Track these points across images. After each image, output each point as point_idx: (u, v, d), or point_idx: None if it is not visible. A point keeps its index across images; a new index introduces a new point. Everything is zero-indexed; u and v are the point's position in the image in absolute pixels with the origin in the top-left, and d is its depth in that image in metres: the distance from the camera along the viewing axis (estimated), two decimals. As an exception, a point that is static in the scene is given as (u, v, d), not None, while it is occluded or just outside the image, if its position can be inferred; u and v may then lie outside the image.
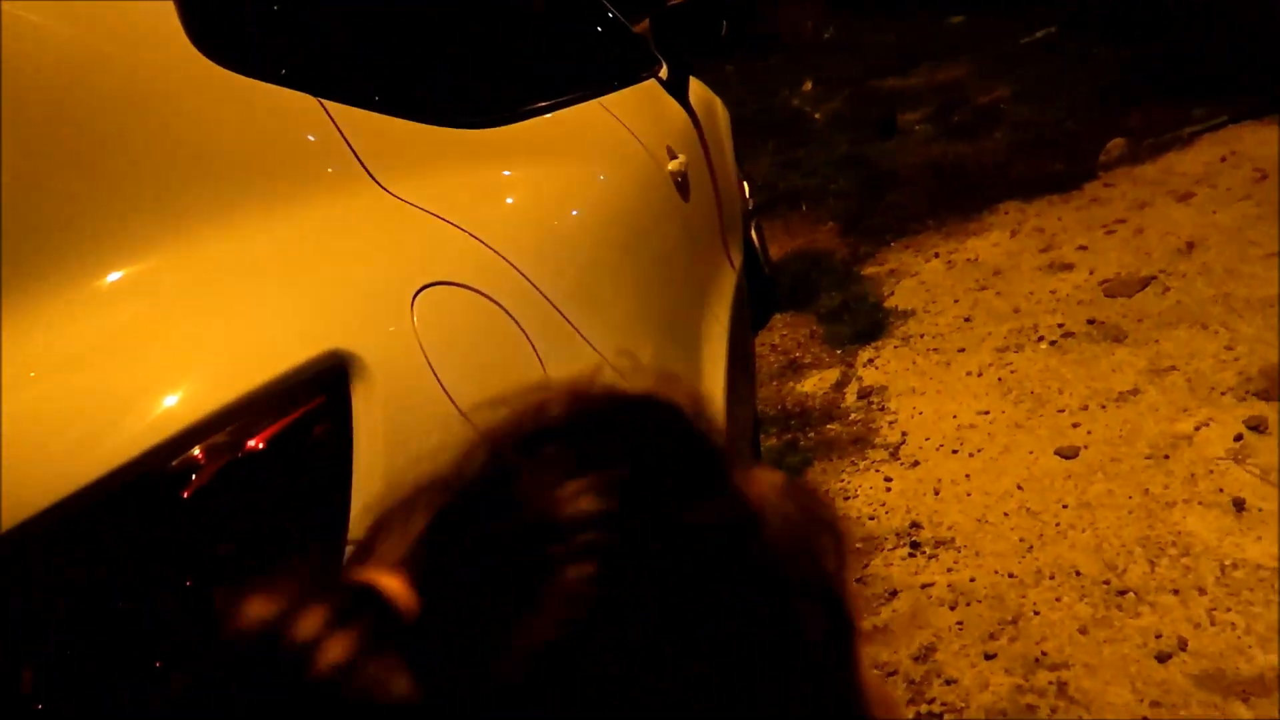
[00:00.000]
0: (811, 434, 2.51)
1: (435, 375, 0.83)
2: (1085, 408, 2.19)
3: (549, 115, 1.54)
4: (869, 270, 3.46)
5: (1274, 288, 2.39)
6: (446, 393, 0.83)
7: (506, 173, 1.29)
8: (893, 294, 3.18)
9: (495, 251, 1.09)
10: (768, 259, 3.58)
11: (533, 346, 1.02)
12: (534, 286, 1.11)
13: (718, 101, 3.17)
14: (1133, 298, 2.57)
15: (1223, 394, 2.04)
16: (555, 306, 1.13)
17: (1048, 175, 3.70)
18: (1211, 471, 1.85)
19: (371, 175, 1.03)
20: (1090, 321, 2.55)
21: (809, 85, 7.18)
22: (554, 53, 1.91)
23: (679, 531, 0.34)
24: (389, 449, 0.76)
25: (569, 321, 1.15)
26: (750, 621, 0.34)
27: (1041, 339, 2.57)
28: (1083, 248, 3.03)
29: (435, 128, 1.18)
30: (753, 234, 3.35)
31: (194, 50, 0.86)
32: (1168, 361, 2.24)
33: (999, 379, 2.45)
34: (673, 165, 1.92)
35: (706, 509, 0.35)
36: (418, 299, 0.87)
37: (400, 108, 1.15)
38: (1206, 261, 2.62)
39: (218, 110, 0.87)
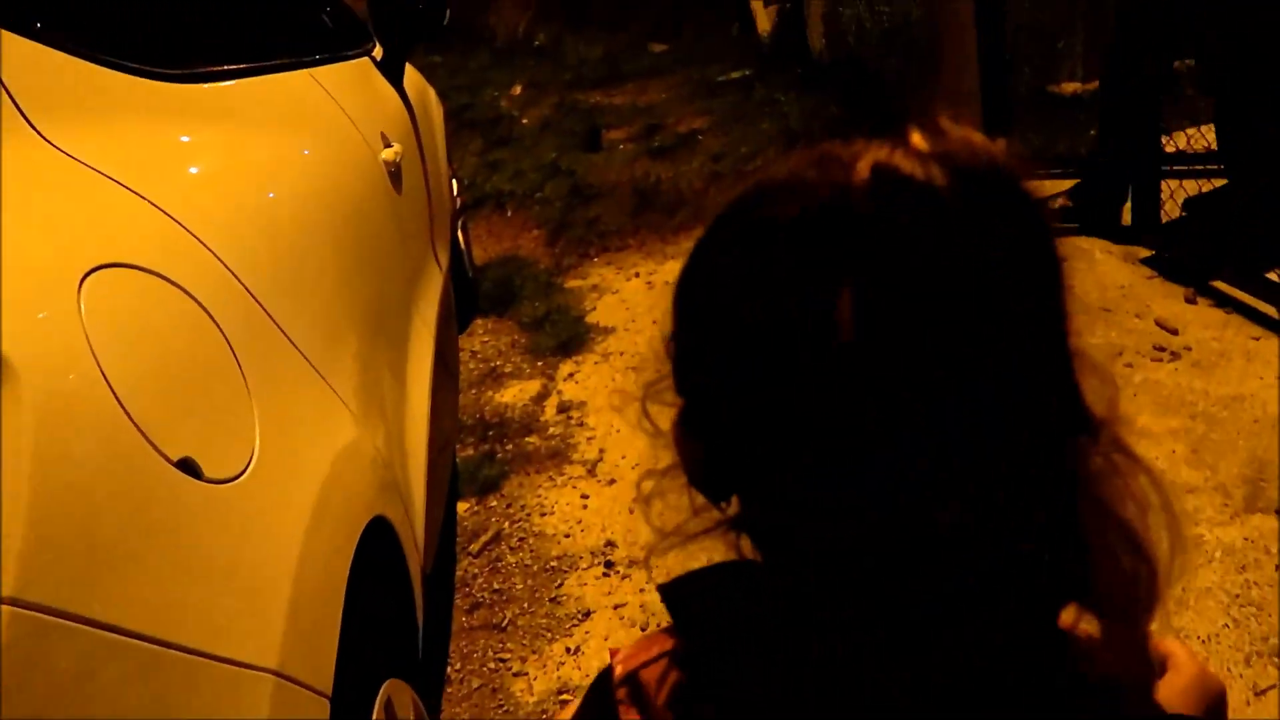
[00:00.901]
0: (510, 446, 2.45)
1: (105, 379, 0.67)
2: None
3: (250, 79, 1.35)
4: (572, 283, 3.47)
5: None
6: (119, 400, 0.67)
7: (186, 138, 1.11)
8: (595, 309, 3.20)
9: (183, 227, 0.92)
10: (472, 260, 3.49)
11: (228, 344, 0.87)
12: (230, 272, 0.95)
13: (432, 92, 3.03)
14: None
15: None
16: (254, 297, 0.98)
17: (740, 207, 3.91)
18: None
19: (27, 118, 0.83)
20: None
21: (518, 89, 7.15)
22: (258, 12, 1.70)
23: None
24: (41, 465, 0.60)
25: (270, 316, 1.00)
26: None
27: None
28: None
29: (110, 71, 0.97)
30: (459, 233, 3.24)
31: None
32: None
33: (693, 399, 2.52)
34: (386, 154, 1.78)
35: None
36: (85, 284, 0.70)
37: (68, 40, 0.94)
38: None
39: None
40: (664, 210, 4.02)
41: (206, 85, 1.20)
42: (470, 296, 3.24)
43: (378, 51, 2.36)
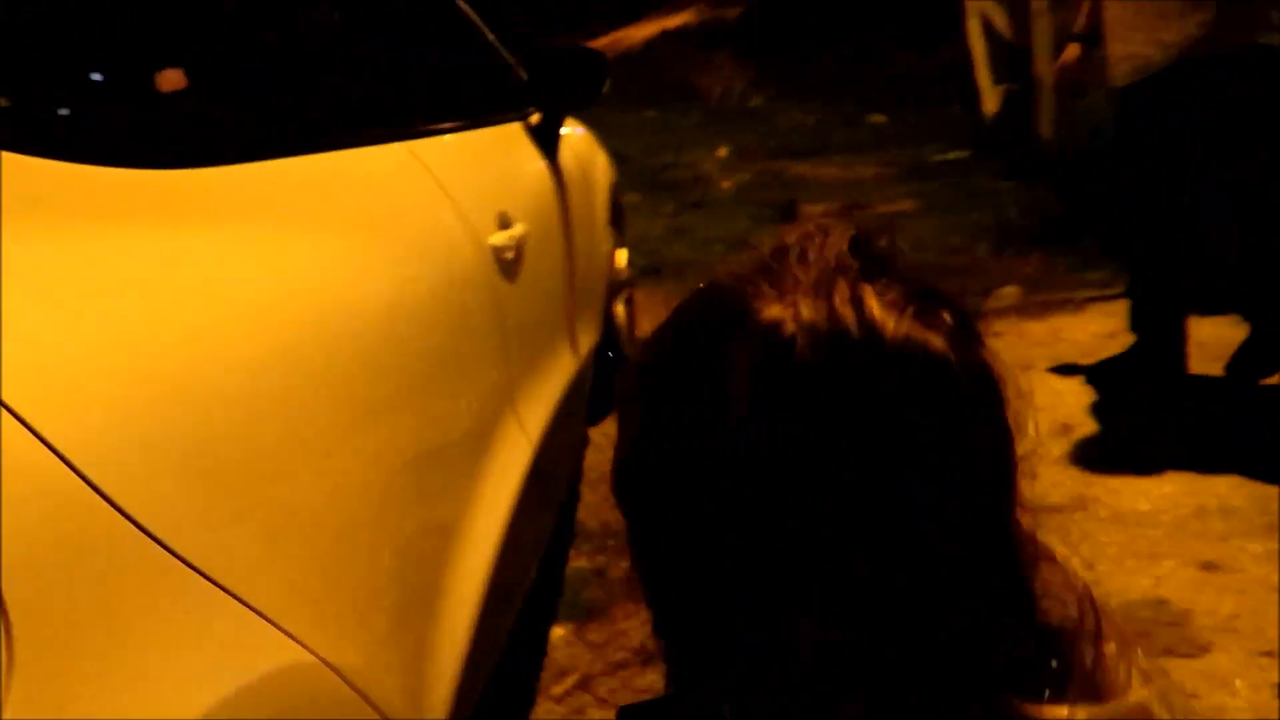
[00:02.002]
0: (624, 564, 2.16)
1: None
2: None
3: (314, 155, 1.15)
4: (734, 372, 3.17)
5: (1145, 505, 2.18)
6: None
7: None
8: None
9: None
10: (632, 335, 3.25)
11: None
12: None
13: (602, 159, 2.83)
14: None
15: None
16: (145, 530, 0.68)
17: (936, 306, 3.49)
18: None
19: None
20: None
21: (724, 151, 6.98)
22: (357, 70, 1.50)
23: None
24: None
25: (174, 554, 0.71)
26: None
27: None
28: (957, 398, 2.79)
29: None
30: (619, 307, 3.02)
31: None
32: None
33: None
34: (498, 238, 1.55)
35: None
36: None
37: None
38: (1079, 449, 2.41)
39: None
40: (851, 300, 3.66)
41: (244, 168, 0.99)
42: (622, 377, 3.00)
43: (535, 118, 2.17)
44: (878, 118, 7.48)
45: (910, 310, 0.45)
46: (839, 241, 0.49)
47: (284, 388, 0.88)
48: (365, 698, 0.84)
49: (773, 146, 6.66)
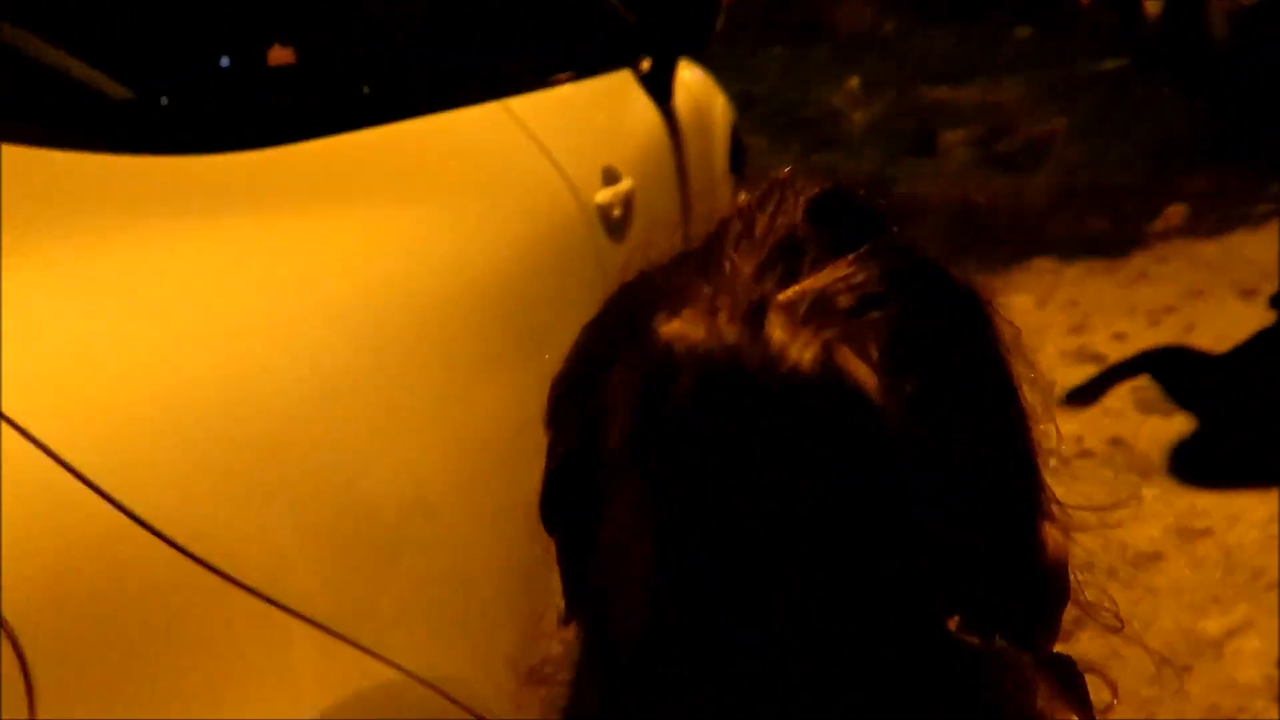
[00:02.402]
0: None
1: None
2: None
3: (398, 125, 1.09)
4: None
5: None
6: None
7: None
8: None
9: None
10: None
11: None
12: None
13: (720, 101, 2.70)
14: (1170, 419, 2.11)
15: (1267, 587, 1.60)
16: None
17: (1093, 234, 3.23)
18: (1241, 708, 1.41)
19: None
20: (1114, 442, 2.09)
21: (854, 83, 6.65)
22: (443, 28, 1.43)
23: None
24: None
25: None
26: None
27: (1050, 454, 2.12)
28: (1120, 336, 2.57)
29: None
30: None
31: None
32: (1202, 522, 1.79)
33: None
34: (603, 195, 1.47)
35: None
36: None
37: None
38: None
39: None
40: (995, 233, 3.41)
41: (304, 146, 0.94)
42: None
43: (646, 63, 2.07)
44: (1023, 31, 6.96)
45: (832, 327, 0.34)
46: (793, 208, 0.39)
47: (376, 371, 0.85)
48: (466, 708, 0.79)
49: (908, 74, 6.29)
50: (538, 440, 1.03)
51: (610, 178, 1.53)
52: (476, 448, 0.96)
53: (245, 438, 0.66)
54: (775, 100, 6.15)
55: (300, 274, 0.82)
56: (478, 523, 0.94)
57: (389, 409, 0.85)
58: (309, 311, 0.80)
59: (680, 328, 0.36)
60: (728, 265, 0.38)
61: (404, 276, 0.94)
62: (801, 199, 0.40)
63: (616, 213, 1.51)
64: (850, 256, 0.38)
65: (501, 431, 1.05)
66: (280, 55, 1.38)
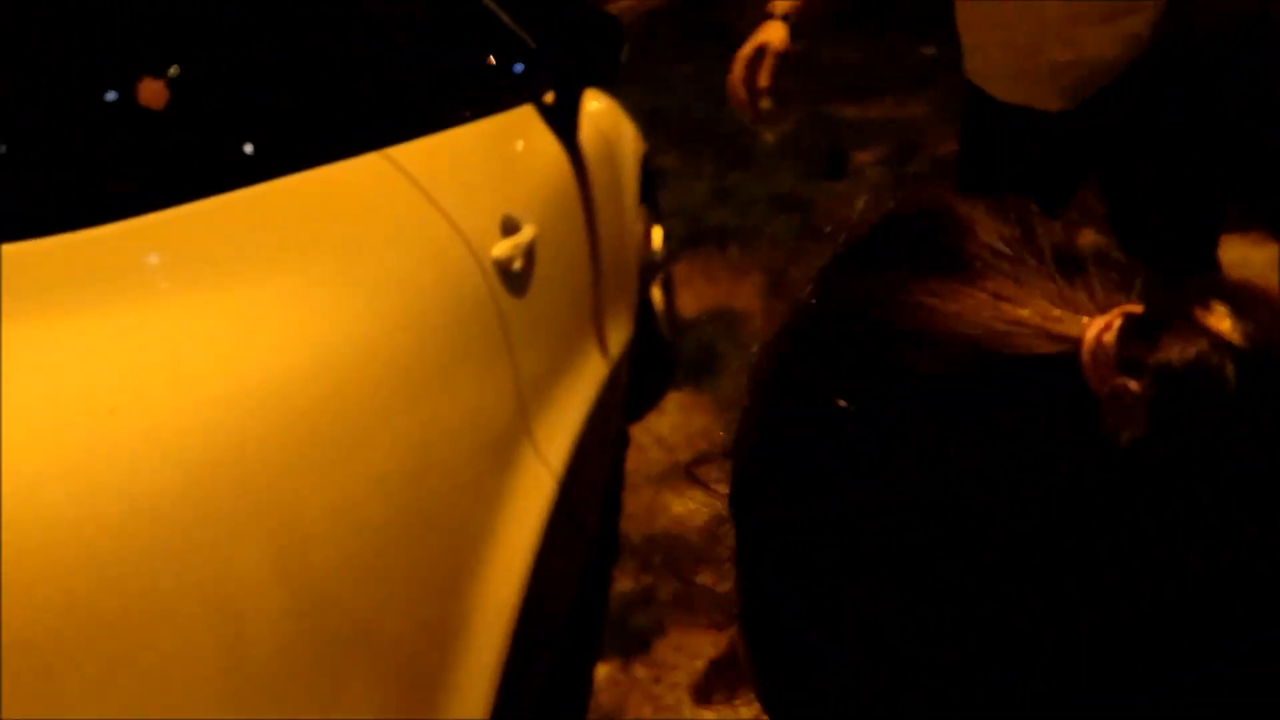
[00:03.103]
0: (673, 583, 1.98)
1: None
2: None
3: (258, 186, 0.95)
4: (787, 348, 2.94)
5: None
6: None
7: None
8: (808, 388, 2.66)
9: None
10: (674, 319, 3.05)
11: None
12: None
13: (629, 130, 2.60)
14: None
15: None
16: None
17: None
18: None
19: None
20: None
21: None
22: (320, 74, 1.28)
23: None
24: None
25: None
26: None
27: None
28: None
29: None
30: (656, 291, 2.81)
31: None
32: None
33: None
34: (501, 248, 1.35)
35: None
36: None
37: None
38: None
39: None
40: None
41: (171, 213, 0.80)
42: (665, 364, 2.80)
43: (549, 97, 1.95)
44: (929, 49, 7.06)
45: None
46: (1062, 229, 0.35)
47: (261, 446, 0.72)
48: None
49: (817, 89, 6.31)
50: (444, 503, 0.91)
51: (509, 227, 1.42)
52: (361, 529, 0.84)
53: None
54: (686, 118, 6.10)
55: (158, 366, 0.68)
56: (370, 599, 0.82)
57: (258, 506, 0.72)
58: (169, 407, 0.67)
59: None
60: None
61: (269, 363, 0.81)
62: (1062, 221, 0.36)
63: (516, 265, 1.39)
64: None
65: (406, 498, 0.94)
66: (151, 92, 1.22)
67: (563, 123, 1.93)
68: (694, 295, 3.47)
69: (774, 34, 1.81)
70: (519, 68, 1.93)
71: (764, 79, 1.80)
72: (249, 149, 0.98)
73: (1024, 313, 0.31)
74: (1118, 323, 0.30)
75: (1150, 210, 1.61)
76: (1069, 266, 0.33)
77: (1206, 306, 0.30)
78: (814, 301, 0.40)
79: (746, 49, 1.81)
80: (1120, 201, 1.66)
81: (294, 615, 0.73)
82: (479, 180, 1.47)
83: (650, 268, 2.71)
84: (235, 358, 0.78)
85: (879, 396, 0.33)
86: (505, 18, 2.03)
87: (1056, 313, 0.31)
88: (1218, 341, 0.29)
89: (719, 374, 2.79)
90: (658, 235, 2.89)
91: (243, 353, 0.80)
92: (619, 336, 2.13)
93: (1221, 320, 0.29)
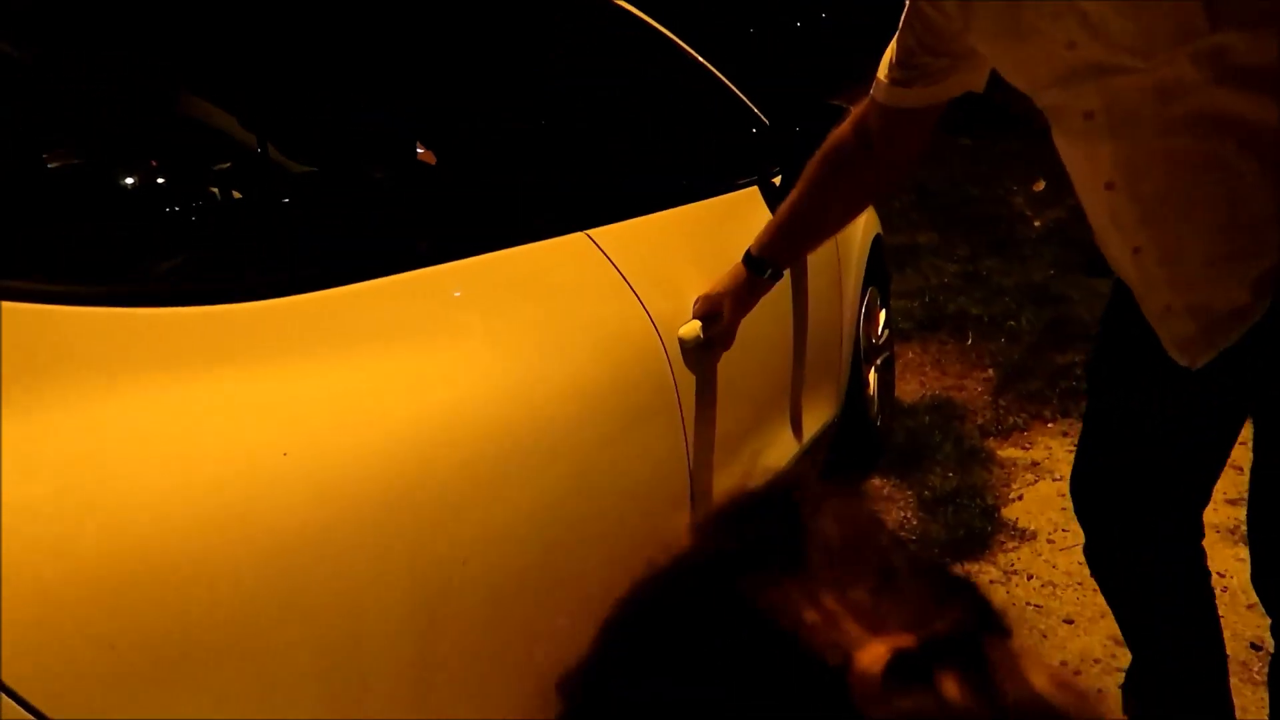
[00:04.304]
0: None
1: None
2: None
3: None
4: (1006, 451, 2.81)
5: None
6: None
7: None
8: (1020, 498, 2.53)
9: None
10: (889, 406, 2.99)
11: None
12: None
13: (862, 217, 2.60)
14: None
15: None
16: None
17: None
18: None
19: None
20: None
21: (1041, 185, 6.36)
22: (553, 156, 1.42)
23: None
24: None
25: None
26: None
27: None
28: None
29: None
30: (872, 375, 2.78)
31: None
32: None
33: (1101, 690, 1.80)
34: (688, 329, 1.43)
35: None
36: None
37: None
38: None
39: None
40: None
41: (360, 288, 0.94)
42: (873, 448, 2.76)
43: (779, 179, 2.02)
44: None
45: None
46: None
47: (427, 511, 0.85)
48: None
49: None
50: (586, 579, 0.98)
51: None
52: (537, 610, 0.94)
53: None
54: (951, 195, 5.95)
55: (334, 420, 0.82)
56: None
57: (438, 553, 0.84)
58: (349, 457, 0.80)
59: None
60: None
61: (450, 415, 0.94)
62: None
63: (698, 345, 1.46)
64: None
65: (567, 592, 1.03)
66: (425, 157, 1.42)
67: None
68: (919, 381, 3.39)
69: None
70: (751, 147, 2.01)
71: None
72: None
73: (820, 619, 0.35)
74: (886, 657, 0.33)
75: None
76: (891, 579, 0.37)
77: (950, 670, 0.33)
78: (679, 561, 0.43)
79: None
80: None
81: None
82: (677, 258, 1.56)
83: (869, 351, 2.69)
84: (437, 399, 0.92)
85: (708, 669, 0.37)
86: (743, 97, 2.12)
87: (851, 626, 0.35)
88: (945, 706, 0.32)
89: (927, 466, 2.72)
90: (882, 319, 2.87)
91: (439, 397, 0.93)
92: (818, 417, 2.14)
93: (951, 689, 0.33)
